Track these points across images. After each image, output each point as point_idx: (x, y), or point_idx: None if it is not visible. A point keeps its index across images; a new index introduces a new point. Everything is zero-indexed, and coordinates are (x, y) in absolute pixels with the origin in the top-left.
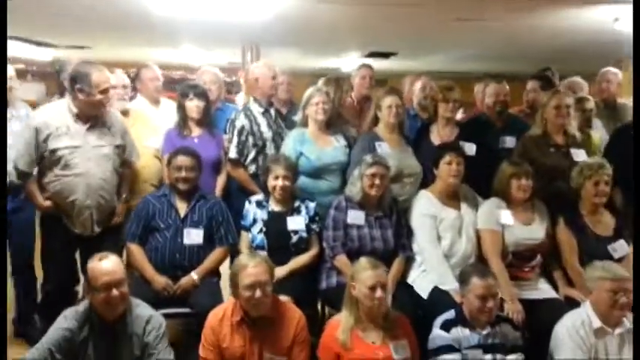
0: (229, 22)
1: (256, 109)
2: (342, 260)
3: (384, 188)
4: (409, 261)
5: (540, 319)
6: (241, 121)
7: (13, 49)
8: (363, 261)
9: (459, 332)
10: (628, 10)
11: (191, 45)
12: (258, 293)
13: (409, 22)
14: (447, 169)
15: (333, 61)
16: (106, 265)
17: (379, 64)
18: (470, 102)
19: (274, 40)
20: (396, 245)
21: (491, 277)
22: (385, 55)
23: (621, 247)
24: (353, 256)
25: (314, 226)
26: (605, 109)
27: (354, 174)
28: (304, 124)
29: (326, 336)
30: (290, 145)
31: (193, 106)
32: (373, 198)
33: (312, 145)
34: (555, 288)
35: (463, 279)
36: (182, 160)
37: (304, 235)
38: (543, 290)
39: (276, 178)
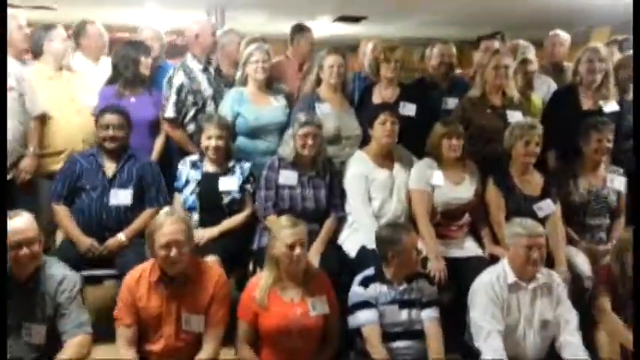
0: None
1: (196, 67)
2: (272, 220)
3: (317, 148)
4: (342, 221)
5: (464, 277)
6: (180, 78)
7: None
8: (283, 219)
9: (377, 288)
10: None
11: (156, 6)
12: (174, 252)
13: None
14: (381, 129)
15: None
16: (17, 223)
17: (350, 29)
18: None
19: (240, 2)
20: (328, 205)
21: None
22: (356, 20)
23: (547, 206)
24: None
25: (248, 187)
26: (554, 72)
27: (287, 133)
28: (243, 82)
29: (245, 295)
30: (227, 104)
31: (141, 64)
32: (306, 158)
33: (250, 104)
34: (482, 246)
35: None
36: (109, 118)
37: (237, 195)
38: (469, 248)
39: (209, 137)
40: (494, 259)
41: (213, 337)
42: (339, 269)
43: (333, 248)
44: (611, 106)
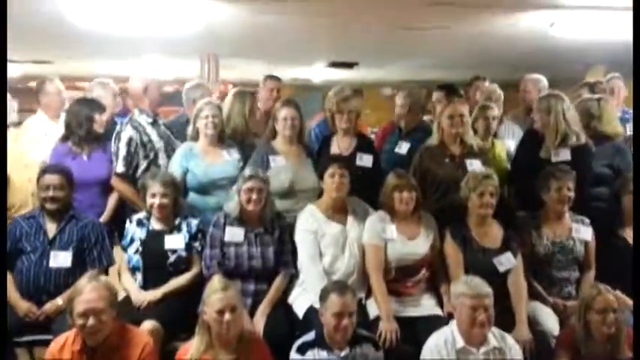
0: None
1: (144, 120)
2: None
3: (262, 203)
4: (293, 279)
5: (419, 337)
6: (128, 132)
7: None
8: (215, 282)
9: (315, 354)
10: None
11: (156, 56)
12: (91, 321)
13: (366, 33)
14: (330, 182)
15: (300, 70)
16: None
17: (344, 74)
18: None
19: (234, 51)
20: (277, 262)
21: (351, 294)
22: (348, 65)
23: (507, 260)
24: (230, 275)
25: (196, 245)
26: (527, 117)
27: (232, 189)
28: (195, 137)
29: None
30: (176, 160)
31: (95, 121)
32: (252, 213)
33: (199, 159)
34: (442, 304)
35: (322, 296)
36: (49, 178)
37: (183, 254)
38: (426, 306)
39: (153, 195)
40: (452, 318)
41: None
42: (287, 331)
43: (282, 308)
44: (562, 155)
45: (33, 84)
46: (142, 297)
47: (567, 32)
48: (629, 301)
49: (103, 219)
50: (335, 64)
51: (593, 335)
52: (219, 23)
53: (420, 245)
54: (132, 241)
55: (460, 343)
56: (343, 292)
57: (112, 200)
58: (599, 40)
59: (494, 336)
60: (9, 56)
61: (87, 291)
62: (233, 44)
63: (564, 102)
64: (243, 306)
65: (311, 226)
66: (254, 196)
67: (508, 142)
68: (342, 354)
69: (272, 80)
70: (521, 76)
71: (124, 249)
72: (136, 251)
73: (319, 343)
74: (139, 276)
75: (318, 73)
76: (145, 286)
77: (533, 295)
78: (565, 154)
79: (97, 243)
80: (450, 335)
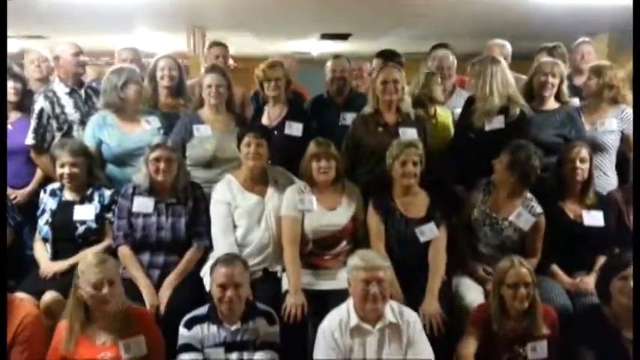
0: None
1: (61, 90)
2: (122, 252)
3: (173, 173)
4: (208, 252)
5: (328, 311)
6: (40, 103)
7: None
8: (90, 257)
9: (204, 329)
10: None
11: (146, 30)
12: None
13: (360, 4)
14: (246, 152)
15: (293, 44)
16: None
17: (338, 46)
18: None
19: (222, 23)
20: (190, 234)
21: (240, 266)
22: (342, 37)
23: (430, 230)
24: (139, 247)
25: (109, 216)
26: None
27: (141, 159)
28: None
29: (54, 339)
30: (89, 130)
31: (8, 88)
32: (162, 183)
33: (113, 129)
34: None
35: (211, 268)
36: None
37: (93, 225)
38: (341, 280)
39: (62, 165)
40: None
41: None
42: (193, 305)
43: (191, 282)
44: (495, 123)
45: None
46: (49, 268)
47: None
48: (589, 285)
49: (28, 189)
50: (327, 36)
51: (508, 311)
52: None
53: (339, 216)
54: (43, 211)
55: (354, 320)
56: (230, 263)
57: (39, 172)
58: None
59: (392, 311)
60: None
61: None
62: (220, 17)
63: (498, 65)
64: (151, 278)
65: (224, 197)
66: (162, 166)
67: (459, 112)
68: (233, 328)
69: (217, 47)
70: (518, 45)
71: (37, 219)
72: (46, 222)
73: (210, 317)
74: (49, 247)
75: (315, 46)
76: (56, 257)
77: (464, 265)
78: (499, 122)
79: None
80: (346, 313)
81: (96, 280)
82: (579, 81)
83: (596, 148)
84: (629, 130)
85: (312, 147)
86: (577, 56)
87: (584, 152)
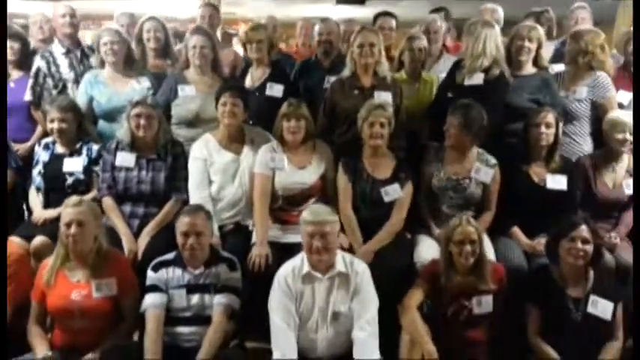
0: None
1: (58, 50)
2: (106, 202)
3: (154, 129)
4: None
5: None
6: (37, 62)
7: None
8: (69, 199)
9: (169, 272)
10: None
11: None
12: None
13: None
14: (222, 111)
15: (310, 8)
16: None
17: (355, 12)
18: None
19: None
20: (169, 188)
21: (203, 216)
22: (359, 1)
23: (393, 191)
24: (121, 198)
25: (96, 169)
26: None
27: (123, 116)
28: (101, 65)
29: (37, 274)
30: (82, 88)
31: (8, 48)
32: (143, 139)
33: (104, 87)
34: None
35: (177, 218)
36: None
37: (81, 177)
38: None
39: (52, 121)
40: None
41: None
42: (165, 252)
43: (169, 232)
44: (475, 79)
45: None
46: (40, 214)
47: None
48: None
49: (29, 143)
50: (343, 0)
51: (455, 266)
52: None
53: (308, 175)
54: (37, 163)
55: (306, 268)
56: (192, 213)
57: (39, 127)
58: None
59: (344, 260)
60: None
61: None
62: None
63: (491, 28)
64: (131, 227)
65: (201, 153)
66: (142, 122)
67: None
68: (196, 272)
69: (205, 7)
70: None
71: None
72: (39, 173)
73: (176, 262)
74: (41, 196)
75: (333, 10)
76: (47, 205)
77: (422, 226)
78: (478, 79)
79: None
80: (300, 261)
81: (67, 220)
82: None
83: (568, 115)
84: (603, 98)
85: (283, 107)
86: (571, 22)
87: (550, 117)
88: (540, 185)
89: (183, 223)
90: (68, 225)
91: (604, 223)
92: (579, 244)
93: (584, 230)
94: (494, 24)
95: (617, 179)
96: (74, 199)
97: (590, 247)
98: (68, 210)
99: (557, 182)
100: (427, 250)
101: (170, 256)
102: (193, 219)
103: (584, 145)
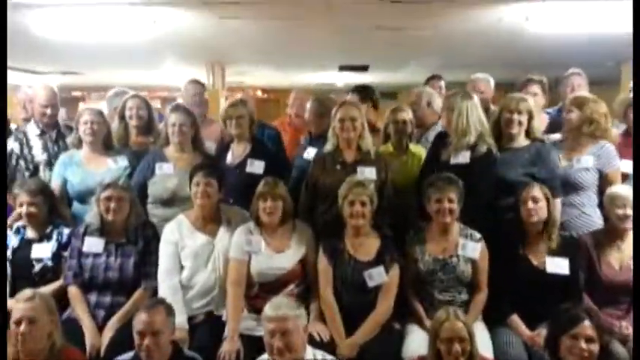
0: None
1: (33, 131)
2: (71, 292)
3: (124, 213)
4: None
5: None
6: (10, 144)
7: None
8: (22, 293)
9: None
10: None
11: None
12: None
13: (375, 38)
14: (194, 191)
15: (316, 76)
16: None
17: (358, 77)
18: None
19: (242, 57)
20: (138, 275)
21: (163, 312)
22: (361, 69)
23: (378, 275)
24: (87, 287)
25: (65, 254)
26: None
27: (92, 199)
28: (78, 143)
29: None
30: (56, 169)
31: None
32: (113, 223)
33: (77, 167)
34: None
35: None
36: None
37: (49, 263)
38: None
39: (21, 205)
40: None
41: None
42: (131, 347)
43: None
44: (460, 157)
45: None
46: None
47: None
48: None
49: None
50: (345, 68)
51: None
52: (224, 32)
53: (286, 259)
54: (6, 248)
55: None
56: (150, 309)
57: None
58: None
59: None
60: (34, 67)
61: None
62: (237, 52)
63: (471, 100)
64: (96, 318)
65: (172, 236)
66: (112, 205)
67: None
68: None
69: (192, 84)
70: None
71: None
72: (7, 260)
73: None
74: (9, 285)
75: (338, 77)
76: (14, 295)
77: (412, 315)
78: (464, 157)
79: None
80: None
81: (17, 317)
82: None
83: (571, 186)
84: (609, 168)
85: (259, 186)
86: (567, 89)
87: (536, 191)
88: (540, 269)
89: (139, 321)
90: (18, 323)
91: (614, 310)
92: (582, 344)
93: (587, 327)
94: (473, 95)
95: (623, 259)
96: (26, 292)
97: (595, 347)
98: (19, 306)
99: (558, 266)
100: (418, 344)
101: (128, 356)
102: (151, 316)
103: (594, 217)
